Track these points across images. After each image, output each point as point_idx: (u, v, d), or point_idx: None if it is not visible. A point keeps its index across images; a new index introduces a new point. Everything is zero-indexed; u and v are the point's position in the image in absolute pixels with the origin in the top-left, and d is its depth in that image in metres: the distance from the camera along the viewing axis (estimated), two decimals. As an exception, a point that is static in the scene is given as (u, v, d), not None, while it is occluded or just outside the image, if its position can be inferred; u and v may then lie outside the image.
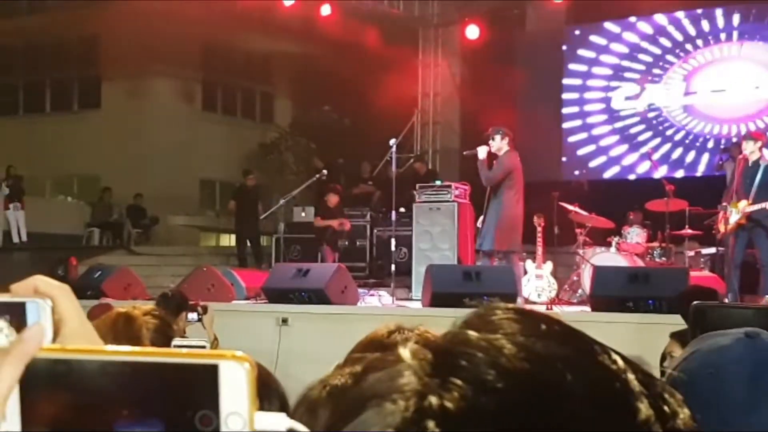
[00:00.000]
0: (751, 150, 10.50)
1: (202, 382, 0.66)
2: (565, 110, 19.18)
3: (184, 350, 0.70)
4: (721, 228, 10.72)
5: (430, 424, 0.63)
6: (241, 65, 27.09)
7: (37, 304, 0.79)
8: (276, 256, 15.75)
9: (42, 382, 0.69)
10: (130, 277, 12.43)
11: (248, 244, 17.64)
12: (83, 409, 0.67)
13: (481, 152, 11.23)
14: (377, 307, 10.98)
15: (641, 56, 18.54)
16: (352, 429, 0.66)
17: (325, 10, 18.30)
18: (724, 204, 10.66)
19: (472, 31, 18.90)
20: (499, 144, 11.20)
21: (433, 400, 0.64)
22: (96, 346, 0.76)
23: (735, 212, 10.43)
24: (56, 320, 0.80)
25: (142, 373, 0.67)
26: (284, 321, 10.08)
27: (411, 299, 12.52)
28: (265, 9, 19.74)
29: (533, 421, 0.63)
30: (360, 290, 11.71)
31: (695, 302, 2.15)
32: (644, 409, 0.66)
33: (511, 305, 0.72)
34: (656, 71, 18.39)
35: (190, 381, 0.66)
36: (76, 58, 26.80)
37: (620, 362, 0.68)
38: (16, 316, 0.78)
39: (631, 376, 0.67)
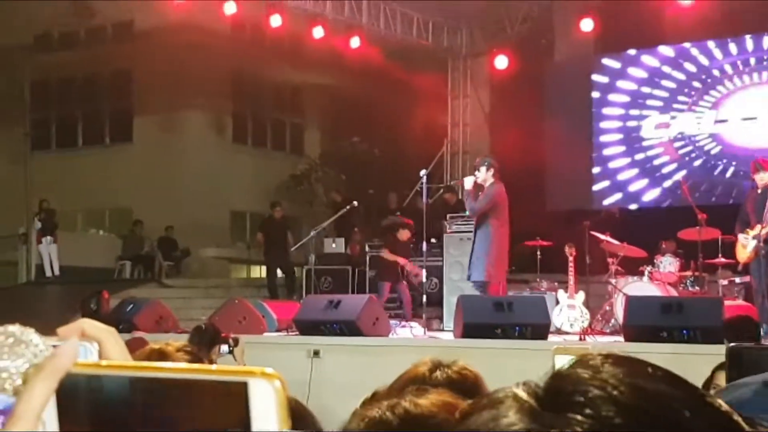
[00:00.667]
0: (761, 179, 10.56)
1: (232, 400, 0.66)
2: (594, 139, 19.11)
3: (214, 367, 0.71)
4: (740, 257, 10.73)
5: None
6: (271, 97, 27.26)
7: (85, 347, 0.80)
8: (306, 288, 15.72)
9: (77, 396, 0.70)
10: (162, 309, 12.44)
11: (278, 275, 17.62)
12: (116, 424, 0.68)
13: (468, 183, 11.39)
14: (409, 339, 10.91)
15: (667, 83, 18.45)
16: None
17: (355, 41, 18.39)
18: (740, 234, 10.71)
19: (501, 62, 18.93)
20: (485, 175, 11.31)
21: None
22: (129, 362, 0.78)
23: (751, 239, 10.42)
24: None
25: (173, 389, 0.67)
26: (316, 353, 10.04)
27: (443, 330, 12.46)
28: (294, 41, 19.93)
29: None
30: (391, 321, 11.66)
31: (731, 345, 2.11)
32: None
33: (608, 352, 0.76)
34: (682, 98, 18.30)
35: (220, 398, 0.66)
36: (108, 92, 27.07)
37: (724, 404, 0.73)
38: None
39: (737, 417, 0.73)
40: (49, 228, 20.95)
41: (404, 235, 14.10)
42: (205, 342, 6.76)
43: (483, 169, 11.31)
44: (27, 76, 26.39)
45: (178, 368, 0.69)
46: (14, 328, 0.79)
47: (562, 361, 2.11)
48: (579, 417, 0.67)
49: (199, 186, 24.41)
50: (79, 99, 27.25)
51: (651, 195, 18.46)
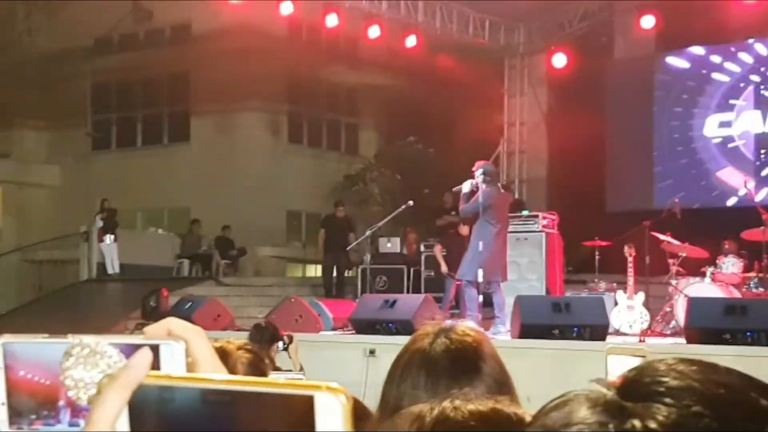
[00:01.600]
0: None
1: (299, 413, 0.67)
2: (656, 137, 18.84)
3: (282, 380, 0.72)
4: None
5: None
6: (327, 97, 27.35)
7: (171, 346, 0.81)
8: (362, 287, 15.73)
9: (149, 407, 0.72)
10: (220, 308, 12.55)
11: (334, 273, 17.61)
12: None
13: (465, 186, 11.71)
14: (465, 339, 10.83)
15: (731, 81, 18.13)
16: None
17: (411, 41, 18.35)
18: None
19: (559, 60, 18.75)
20: (479, 180, 11.61)
21: (636, 423, 0.68)
22: (199, 375, 0.79)
23: None
24: (190, 362, 0.82)
25: (243, 401, 0.69)
26: (371, 352, 10.05)
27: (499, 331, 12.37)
28: (350, 41, 19.96)
29: None
30: (447, 322, 11.58)
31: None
32: None
33: (676, 357, 0.77)
34: (745, 96, 17.97)
35: (287, 411, 0.68)
36: (166, 94, 27.37)
37: None
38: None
39: None
40: (110, 226, 21.26)
41: (465, 230, 13.95)
42: (265, 340, 6.81)
43: (478, 174, 11.66)
44: (88, 78, 26.84)
45: (248, 380, 0.71)
46: (89, 340, 0.81)
47: (615, 361, 2.04)
48: (660, 405, 0.69)
49: (255, 186, 24.57)
50: (138, 100, 27.63)
51: (714, 194, 18.15)
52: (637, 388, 0.72)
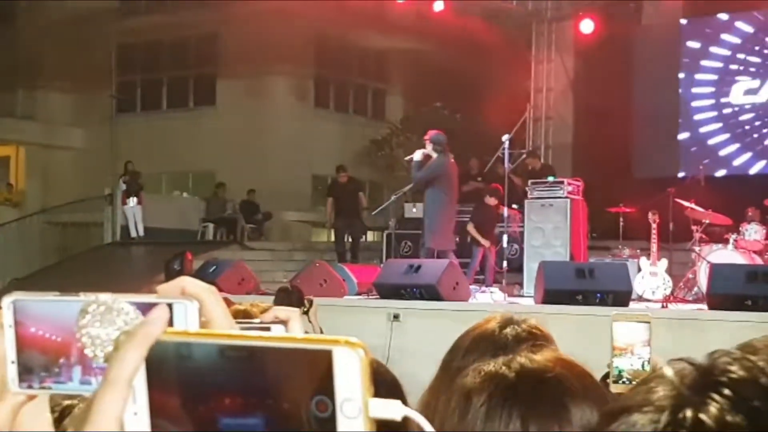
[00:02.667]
0: None
1: (317, 368, 0.67)
2: (682, 104, 18.72)
3: (299, 335, 0.73)
4: None
5: None
6: (354, 62, 27.27)
7: (185, 305, 0.80)
8: (387, 252, 15.77)
9: (166, 363, 0.72)
10: (245, 271, 12.62)
11: (348, 240, 17.55)
12: (204, 390, 0.70)
13: (417, 155, 12.06)
14: (489, 304, 10.90)
15: (760, 48, 17.94)
16: None
17: (438, 6, 18.25)
18: None
19: (587, 26, 18.59)
20: (430, 149, 11.97)
21: (689, 413, 0.69)
22: (216, 331, 0.78)
23: None
24: (203, 322, 0.81)
25: (259, 357, 0.69)
26: (396, 317, 10.10)
27: (522, 296, 12.42)
28: (377, 6, 19.83)
29: None
30: (471, 287, 11.65)
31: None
32: None
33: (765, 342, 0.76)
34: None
35: (305, 366, 0.68)
36: (193, 56, 27.35)
37: None
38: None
39: None
40: (134, 189, 21.30)
41: (492, 201, 13.95)
42: (291, 303, 6.85)
43: (429, 144, 11.99)
44: (113, 39, 26.81)
45: (266, 336, 0.71)
46: (106, 297, 0.80)
47: (620, 327, 2.08)
48: (717, 397, 0.68)
49: (281, 150, 24.58)
50: (164, 63, 27.59)
51: (740, 161, 18.04)
52: (705, 377, 0.71)
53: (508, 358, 1.45)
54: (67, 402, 1.36)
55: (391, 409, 0.67)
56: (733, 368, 0.71)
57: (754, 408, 0.67)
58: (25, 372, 0.84)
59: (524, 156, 17.29)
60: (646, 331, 2.04)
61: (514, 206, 14.12)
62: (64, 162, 27.32)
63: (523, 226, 13.71)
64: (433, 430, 0.70)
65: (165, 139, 25.59)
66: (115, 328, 0.78)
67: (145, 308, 0.79)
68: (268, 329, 0.90)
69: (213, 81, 26.67)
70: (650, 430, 0.69)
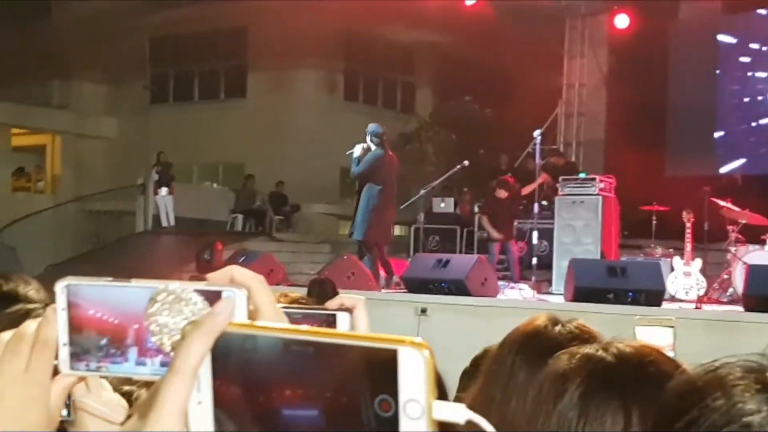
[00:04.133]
0: None
1: (381, 367, 0.67)
2: (719, 102, 18.46)
3: (361, 332, 0.75)
4: None
5: None
6: (383, 55, 27.16)
7: (234, 293, 0.82)
8: (414, 246, 15.69)
9: (231, 355, 0.73)
10: (273, 263, 12.61)
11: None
12: (267, 383, 0.71)
13: (357, 150, 12.34)
14: (518, 300, 10.78)
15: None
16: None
17: (470, 0, 18.11)
18: None
19: (622, 21, 18.38)
20: (369, 143, 12.26)
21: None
22: (282, 325, 0.78)
23: None
24: (252, 310, 0.83)
25: (324, 353, 0.69)
26: (423, 311, 10.03)
27: (552, 293, 12.27)
28: (407, -1, 19.74)
29: None
30: (500, 283, 11.53)
31: None
32: None
33: None
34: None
35: (369, 364, 0.67)
36: (224, 49, 27.39)
37: None
38: (213, 304, 0.81)
39: None
40: (166, 180, 21.47)
41: (502, 194, 13.81)
42: (325, 295, 6.79)
43: (368, 138, 12.33)
44: (146, 32, 26.96)
45: (330, 332, 0.71)
46: (175, 286, 0.83)
47: (644, 332, 1.99)
48: None
49: (310, 143, 24.57)
50: (196, 55, 27.67)
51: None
52: None
53: (604, 344, 1.48)
54: (126, 387, 1.37)
55: (455, 412, 0.66)
56: None
57: None
58: (83, 352, 0.88)
59: (548, 156, 17.10)
60: (671, 336, 1.95)
61: (544, 202, 13.98)
62: (97, 151, 27.59)
63: (551, 222, 13.51)
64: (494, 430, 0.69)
65: (196, 130, 25.70)
66: (183, 318, 0.81)
67: (212, 297, 0.82)
68: (333, 316, 0.93)
69: (244, 73, 26.75)
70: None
